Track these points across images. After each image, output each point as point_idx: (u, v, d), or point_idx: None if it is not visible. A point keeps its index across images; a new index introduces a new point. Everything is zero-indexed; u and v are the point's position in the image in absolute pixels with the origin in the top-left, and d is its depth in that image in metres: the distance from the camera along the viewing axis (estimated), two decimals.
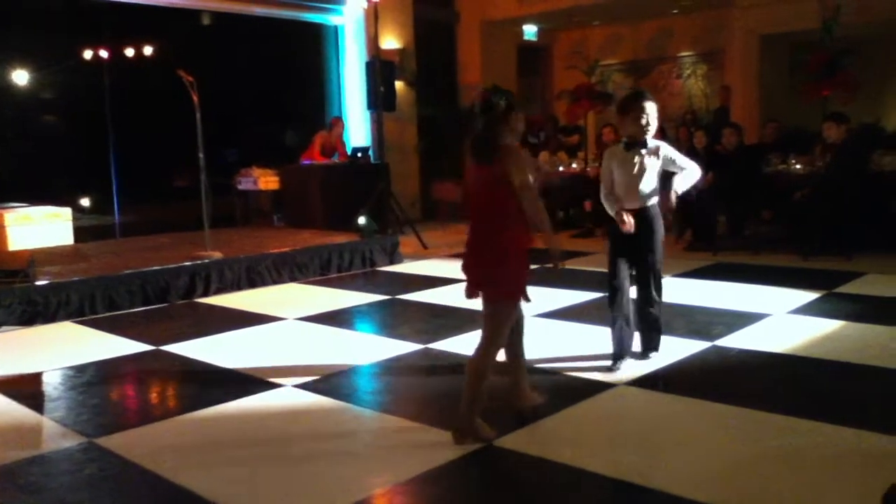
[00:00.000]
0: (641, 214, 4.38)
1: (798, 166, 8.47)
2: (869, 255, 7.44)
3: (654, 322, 4.57)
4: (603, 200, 4.49)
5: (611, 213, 4.42)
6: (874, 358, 4.47)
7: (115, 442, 3.64)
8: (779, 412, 3.70)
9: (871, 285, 6.45)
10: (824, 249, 7.57)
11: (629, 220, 4.28)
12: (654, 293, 4.49)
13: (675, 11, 13.58)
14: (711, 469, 3.16)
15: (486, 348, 3.51)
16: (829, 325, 5.19)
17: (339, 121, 10.67)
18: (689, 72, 14.43)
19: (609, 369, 4.42)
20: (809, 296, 6.04)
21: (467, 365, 3.57)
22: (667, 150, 4.46)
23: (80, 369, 4.85)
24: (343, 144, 10.55)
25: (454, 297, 6.63)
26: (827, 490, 2.97)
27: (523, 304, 3.68)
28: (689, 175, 4.47)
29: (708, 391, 4.03)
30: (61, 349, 5.32)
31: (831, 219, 7.59)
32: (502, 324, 3.50)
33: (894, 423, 3.29)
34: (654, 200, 4.44)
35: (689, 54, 14.38)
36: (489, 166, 3.47)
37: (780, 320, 5.43)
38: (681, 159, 4.47)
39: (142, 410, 4.28)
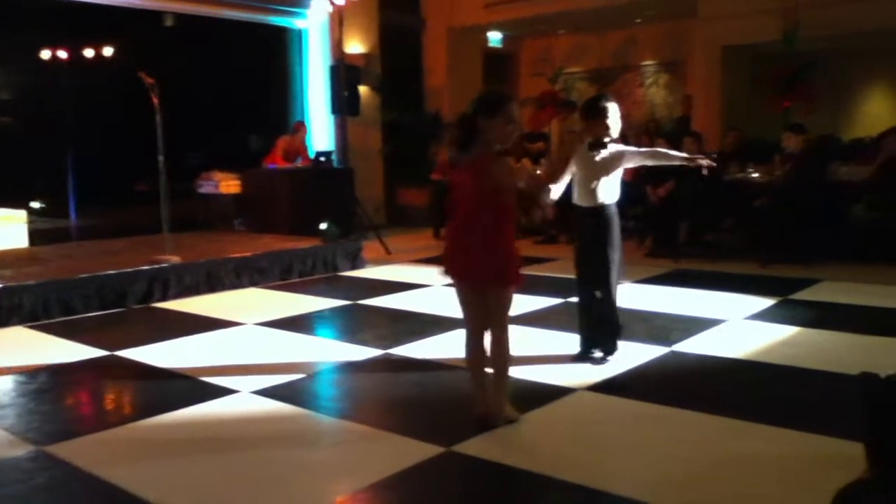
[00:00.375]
0: (598, 213, 4.45)
1: (755, 175, 8.60)
2: (825, 263, 7.57)
3: (603, 323, 4.59)
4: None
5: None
6: (827, 363, 4.54)
7: (66, 450, 3.55)
8: (735, 417, 3.74)
9: (826, 292, 6.56)
10: (783, 257, 7.69)
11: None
12: (602, 293, 4.54)
13: (638, 21, 13.74)
14: (669, 474, 3.18)
15: (504, 333, 3.69)
16: (784, 331, 5.27)
17: (302, 125, 10.61)
18: (651, 81, 14.61)
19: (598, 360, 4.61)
20: (766, 302, 6.13)
21: (495, 356, 3.69)
22: (626, 148, 4.59)
23: (31, 375, 4.74)
24: (306, 149, 10.50)
25: (416, 302, 6.63)
26: (781, 493, 3.00)
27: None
28: (661, 154, 4.69)
29: (666, 396, 4.06)
30: (13, 354, 5.19)
31: (790, 227, 7.72)
32: (509, 307, 3.70)
33: (845, 427, 3.33)
34: (612, 200, 4.50)
35: (652, 63, 14.56)
36: (473, 170, 3.55)
37: (736, 326, 5.50)
38: (642, 149, 4.70)
39: (95, 417, 4.19)
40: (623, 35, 14.46)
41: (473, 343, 3.77)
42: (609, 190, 4.48)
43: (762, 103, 10.64)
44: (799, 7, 9.68)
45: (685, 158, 4.70)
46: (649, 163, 4.76)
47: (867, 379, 2.66)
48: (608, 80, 15.04)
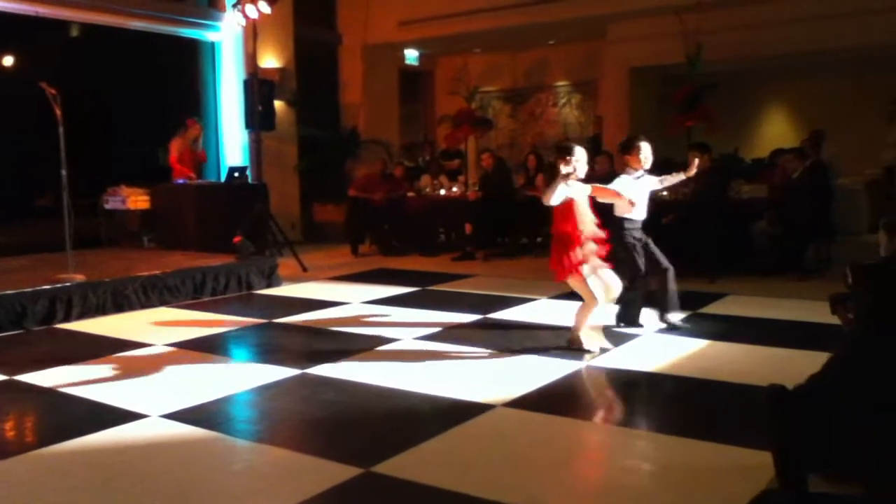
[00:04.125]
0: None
1: (664, 193, 8.87)
2: (730, 277, 7.85)
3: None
4: None
5: None
6: (735, 375, 4.69)
7: None
8: (648, 429, 3.82)
9: (733, 305, 6.80)
10: (690, 272, 7.93)
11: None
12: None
13: (552, 42, 14.05)
14: (585, 487, 3.21)
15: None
16: (694, 344, 5.43)
17: (193, 123, 10.15)
18: (565, 101, 14.94)
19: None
20: (676, 316, 6.29)
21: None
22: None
23: None
24: (202, 149, 10.19)
25: (334, 320, 6.53)
26: (693, 502, 3.07)
27: None
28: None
29: (581, 410, 4.12)
30: None
31: (696, 243, 7.96)
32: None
33: (754, 437, 3.44)
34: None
35: (565, 84, 14.90)
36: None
37: (648, 340, 5.63)
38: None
39: None
40: (536, 55, 14.76)
41: None
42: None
43: (667, 124, 11.01)
44: (701, 31, 10.08)
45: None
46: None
47: (775, 391, 2.76)
48: (522, 100, 15.32)
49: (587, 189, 5.20)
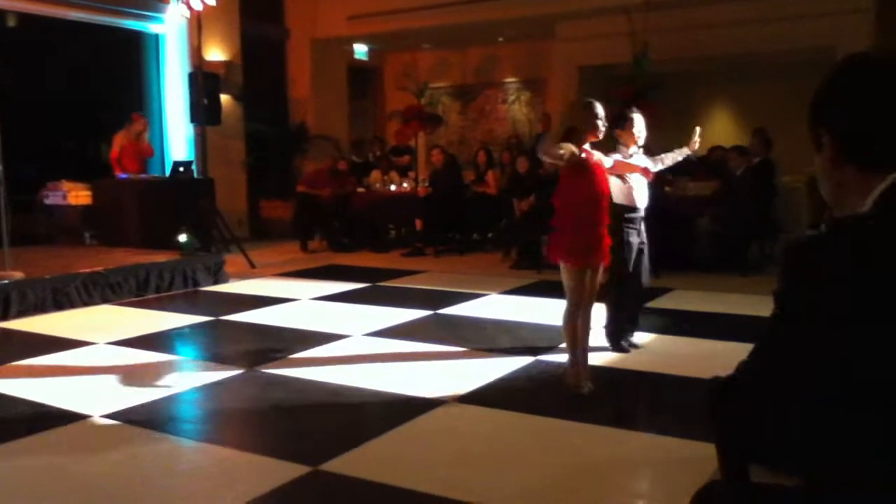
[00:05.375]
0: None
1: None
2: (674, 273, 7.98)
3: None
4: None
5: None
6: (680, 368, 4.77)
7: None
8: (595, 423, 3.85)
9: (677, 300, 6.92)
10: None
11: None
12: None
13: (501, 39, 14.10)
14: (534, 481, 3.23)
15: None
16: (640, 339, 5.50)
17: (139, 117, 9.89)
18: (513, 98, 15.01)
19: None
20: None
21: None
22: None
23: None
24: (148, 143, 9.97)
25: (282, 317, 6.46)
26: (640, 495, 3.11)
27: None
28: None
29: (531, 405, 4.14)
30: None
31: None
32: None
33: (697, 429, 3.50)
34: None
35: (514, 81, 14.97)
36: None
37: (597, 335, 5.68)
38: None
39: None
40: (486, 52, 14.80)
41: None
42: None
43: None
44: (647, 31, 10.23)
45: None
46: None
47: (715, 384, 2.80)
48: (471, 96, 15.34)
49: (605, 161, 4.53)
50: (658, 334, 5.64)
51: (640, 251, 5.01)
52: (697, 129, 5.29)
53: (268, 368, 4.91)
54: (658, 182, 8.15)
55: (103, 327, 6.10)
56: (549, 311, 6.46)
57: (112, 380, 4.74)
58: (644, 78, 10.36)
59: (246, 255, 9.05)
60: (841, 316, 1.25)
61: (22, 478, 3.33)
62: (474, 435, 3.82)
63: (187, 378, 4.77)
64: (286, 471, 3.33)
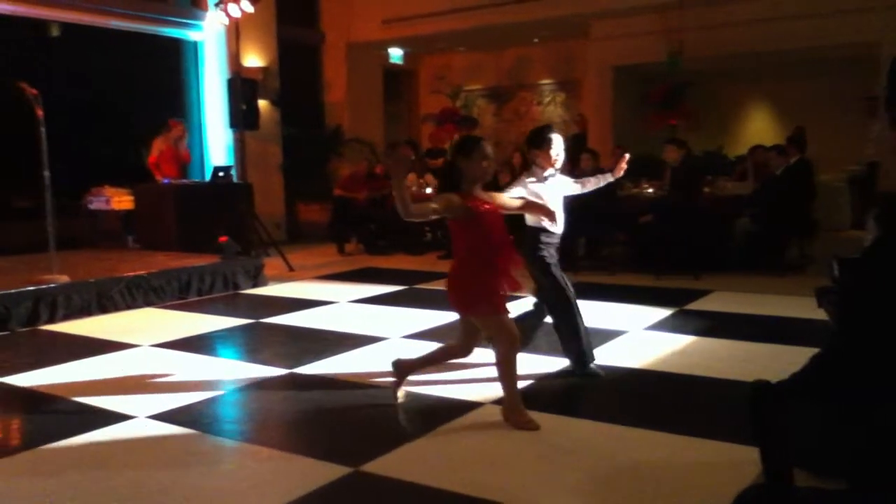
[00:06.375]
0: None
1: (650, 190, 8.94)
2: (714, 274, 7.91)
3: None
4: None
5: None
6: (721, 370, 4.73)
7: None
8: (635, 425, 3.84)
9: (718, 302, 6.85)
10: (673, 269, 7.99)
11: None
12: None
13: (535, 40, 14.09)
14: (573, 485, 3.23)
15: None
16: (681, 341, 5.47)
17: (176, 123, 10.02)
18: (548, 99, 14.98)
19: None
20: (663, 313, 6.35)
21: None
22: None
23: None
24: (186, 149, 10.12)
25: (320, 319, 6.53)
26: (678, 499, 3.09)
27: None
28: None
29: (569, 407, 4.14)
30: None
31: (674, 240, 8.00)
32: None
33: (739, 432, 3.47)
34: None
35: (549, 82, 14.94)
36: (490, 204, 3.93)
37: (636, 336, 5.67)
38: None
39: None
40: (520, 53, 14.80)
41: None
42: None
43: (645, 122, 11.09)
44: (683, 29, 10.15)
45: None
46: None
47: (759, 387, 2.78)
48: (506, 98, 15.35)
49: (508, 202, 4.20)
50: (698, 336, 5.59)
51: (556, 265, 4.78)
52: (626, 155, 5.01)
53: (307, 370, 4.98)
54: (688, 184, 8.11)
55: (147, 330, 6.22)
56: (586, 314, 6.43)
57: (156, 381, 4.83)
58: (678, 76, 10.27)
59: (284, 258, 9.16)
60: None
61: (71, 477, 3.42)
62: (511, 437, 3.82)
63: (229, 379, 4.85)
64: (327, 471, 3.38)
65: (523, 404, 3.92)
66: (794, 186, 8.23)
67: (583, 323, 4.70)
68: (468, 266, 3.86)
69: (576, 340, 4.68)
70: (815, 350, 2.84)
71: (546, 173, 4.59)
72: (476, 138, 4.02)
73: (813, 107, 12.58)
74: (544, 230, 4.61)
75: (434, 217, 3.82)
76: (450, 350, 4.25)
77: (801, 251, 8.51)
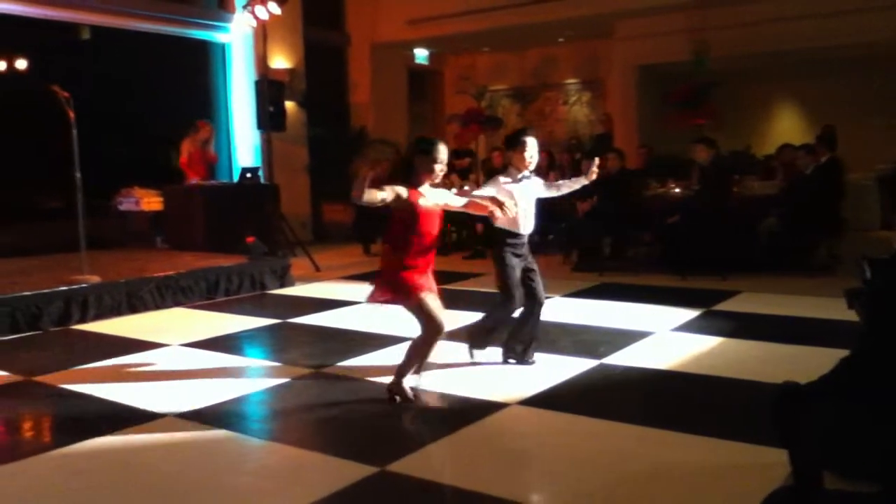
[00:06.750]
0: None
1: (677, 190, 8.88)
2: (743, 275, 7.83)
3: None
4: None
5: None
6: (749, 372, 4.69)
7: None
8: (662, 427, 3.82)
9: (746, 303, 6.79)
10: (700, 269, 7.92)
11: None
12: None
13: (560, 40, 14.04)
14: (600, 486, 3.22)
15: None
16: (708, 342, 5.43)
17: (204, 125, 10.07)
18: (574, 99, 14.93)
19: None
20: (690, 314, 6.30)
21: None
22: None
23: None
24: (213, 150, 10.20)
25: (346, 319, 6.56)
26: (704, 501, 3.08)
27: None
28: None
29: (595, 408, 4.12)
30: None
31: (702, 240, 7.93)
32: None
33: (767, 434, 3.44)
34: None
35: (574, 82, 14.89)
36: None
37: (663, 338, 5.63)
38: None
39: (9, 447, 3.99)
40: (545, 53, 14.76)
41: None
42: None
43: (667, 121, 11.01)
44: (708, 28, 10.06)
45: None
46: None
47: (788, 388, 2.76)
48: (531, 98, 15.32)
49: (453, 200, 4.39)
50: (725, 337, 5.55)
51: (531, 270, 4.90)
52: (596, 160, 5.10)
53: (333, 370, 5.01)
54: (719, 184, 8.06)
55: (176, 329, 6.30)
56: (611, 314, 6.43)
57: (185, 380, 4.89)
58: (703, 75, 10.19)
59: (311, 259, 9.22)
60: None
61: (104, 474, 3.47)
62: (537, 438, 3.83)
63: (256, 379, 4.90)
64: (353, 471, 3.40)
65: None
66: (824, 185, 8.13)
67: (495, 324, 5.01)
68: (395, 258, 4.13)
69: (486, 332, 5.02)
70: (845, 352, 2.82)
71: (520, 174, 4.79)
72: (432, 140, 4.18)
73: (841, 105, 12.41)
74: (510, 233, 4.78)
75: (380, 204, 4.00)
76: (422, 342, 4.23)
77: (830, 251, 8.41)
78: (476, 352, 5.08)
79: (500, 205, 4.34)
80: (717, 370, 4.77)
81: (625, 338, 5.57)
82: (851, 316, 3.80)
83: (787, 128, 13.89)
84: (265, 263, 8.18)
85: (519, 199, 4.68)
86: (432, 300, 4.16)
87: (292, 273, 8.40)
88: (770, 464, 3.21)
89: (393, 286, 4.14)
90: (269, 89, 10.00)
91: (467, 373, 4.88)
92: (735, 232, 8.11)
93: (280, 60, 11.85)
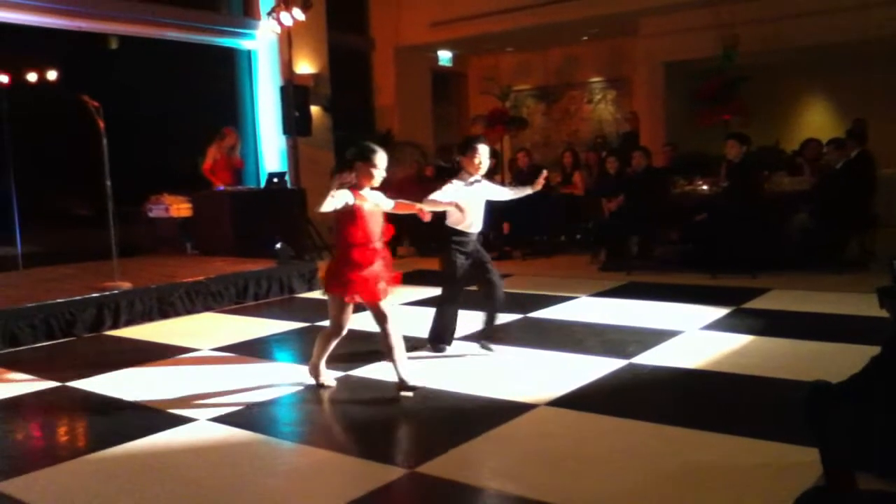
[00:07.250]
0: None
1: (705, 188, 8.80)
2: (773, 272, 7.75)
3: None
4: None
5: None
6: (780, 370, 4.64)
7: (16, 486, 3.44)
8: (692, 427, 3.79)
9: (776, 301, 6.72)
10: (729, 267, 7.85)
11: None
12: None
13: (584, 38, 13.99)
14: (630, 486, 3.21)
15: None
16: (738, 340, 5.38)
17: (231, 132, 10.17)
18: (599, 97, 14.85)
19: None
20: (720, 312, 6.25)
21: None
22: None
23: None
24: (238, 157, 10.29)
25: (373, 322, 6.57)
26: (737, 501, 3.05)
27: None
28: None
29: (625, 409, 4.10)
30: None
31: (731, 237, 7.86)
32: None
33: (799, 433, 3.41)
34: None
35: (599, 80, 14.82)
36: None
37: (692, 336, 5.59)
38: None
39: (46, 451, 4.06)
40: (567, 52, 14.71)
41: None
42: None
43: (695, 117, 10.92)
44: (736, 23, 9.96)
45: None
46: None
47: (819, 387, 2.73)
48: (555, 97, 15.27)
49: (385, 203, 4.61)
50: (756, 336, 5.49)
51: (484, 262, 5.27)
52: (544, 171, 5.64)
53: (361, 372, 5.04)
54: (746, 183, 7.98)
55: (206, 334, 6.37)
56: (639, 314, 6.39)
57: (216, 384, 4.94)
58: (730, 71, 10.08)
59: None
60: None
61: (134, 479, 3.52)
62: (566, 438, 3.82)
63: (286, 382, 4.93)
64: (382, 473, 3.42)
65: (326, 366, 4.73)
66: (853, 180, 8.01)
67: (449, 319, 5.37)
68: (341, 255, 4.46)
69: (436, 324, 5.42)
70: (876, 349, 2.78)
71: (471, 178, 5.16)
72: (373, 148, 4.52)
73: (872, 99, 12.23)
74: (457, 231, 5.19)
75: (333, 211, 4.38)
76: (323, 335, 4.67)
77: (862, 247, 8.28)
78: (489, 344, 5.36)
79: (423, 212, 4.75)
80: (747, 369, 4.73)
81: (653, 337, 5.54)
82: (884, 313, 3.74)
83: (816, 122, 13.71)
84: (293, 267, 8.25)
85: (469, 201, 5.06)
86: (346, 306, 4.51)
87: (320, 276, 8.45)
88: (802, 463, 3.18)
89: (331, 275, 4.49)
90: (295, 94, 10.08)
91: (494, 373, 4.88)
92: (765, 229, 8.02)
93: (305, 66, 11.94)
